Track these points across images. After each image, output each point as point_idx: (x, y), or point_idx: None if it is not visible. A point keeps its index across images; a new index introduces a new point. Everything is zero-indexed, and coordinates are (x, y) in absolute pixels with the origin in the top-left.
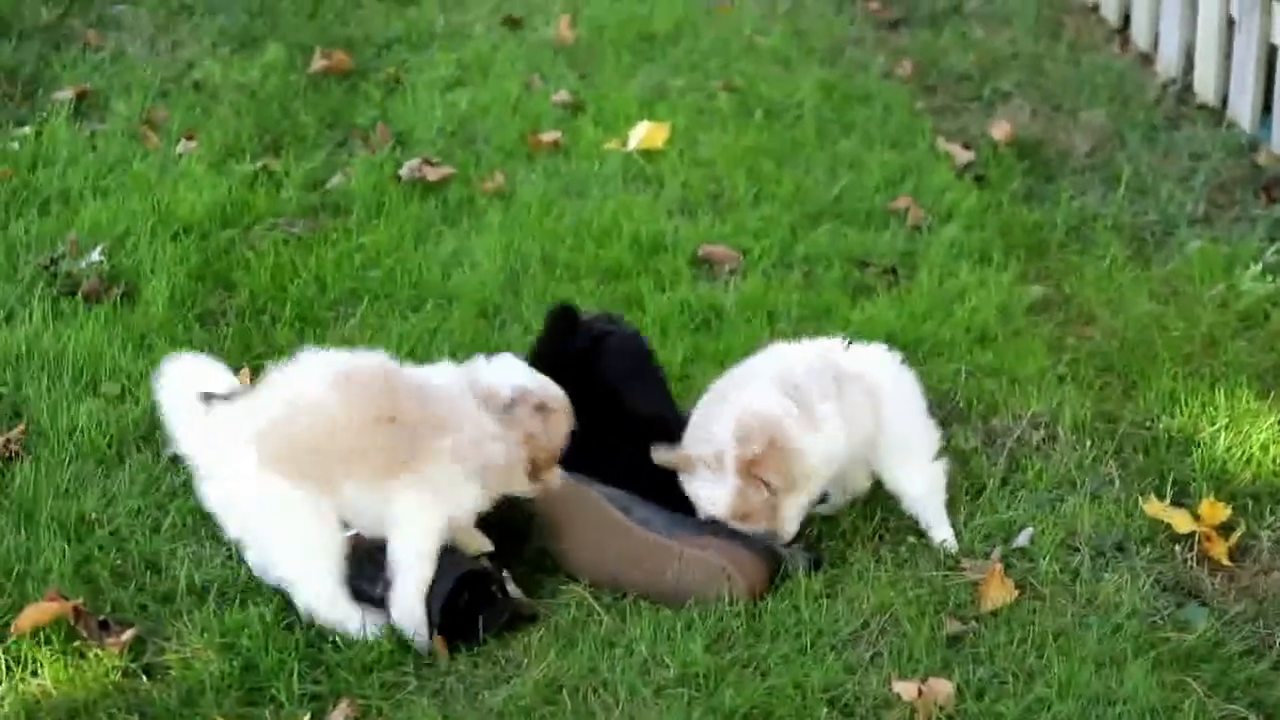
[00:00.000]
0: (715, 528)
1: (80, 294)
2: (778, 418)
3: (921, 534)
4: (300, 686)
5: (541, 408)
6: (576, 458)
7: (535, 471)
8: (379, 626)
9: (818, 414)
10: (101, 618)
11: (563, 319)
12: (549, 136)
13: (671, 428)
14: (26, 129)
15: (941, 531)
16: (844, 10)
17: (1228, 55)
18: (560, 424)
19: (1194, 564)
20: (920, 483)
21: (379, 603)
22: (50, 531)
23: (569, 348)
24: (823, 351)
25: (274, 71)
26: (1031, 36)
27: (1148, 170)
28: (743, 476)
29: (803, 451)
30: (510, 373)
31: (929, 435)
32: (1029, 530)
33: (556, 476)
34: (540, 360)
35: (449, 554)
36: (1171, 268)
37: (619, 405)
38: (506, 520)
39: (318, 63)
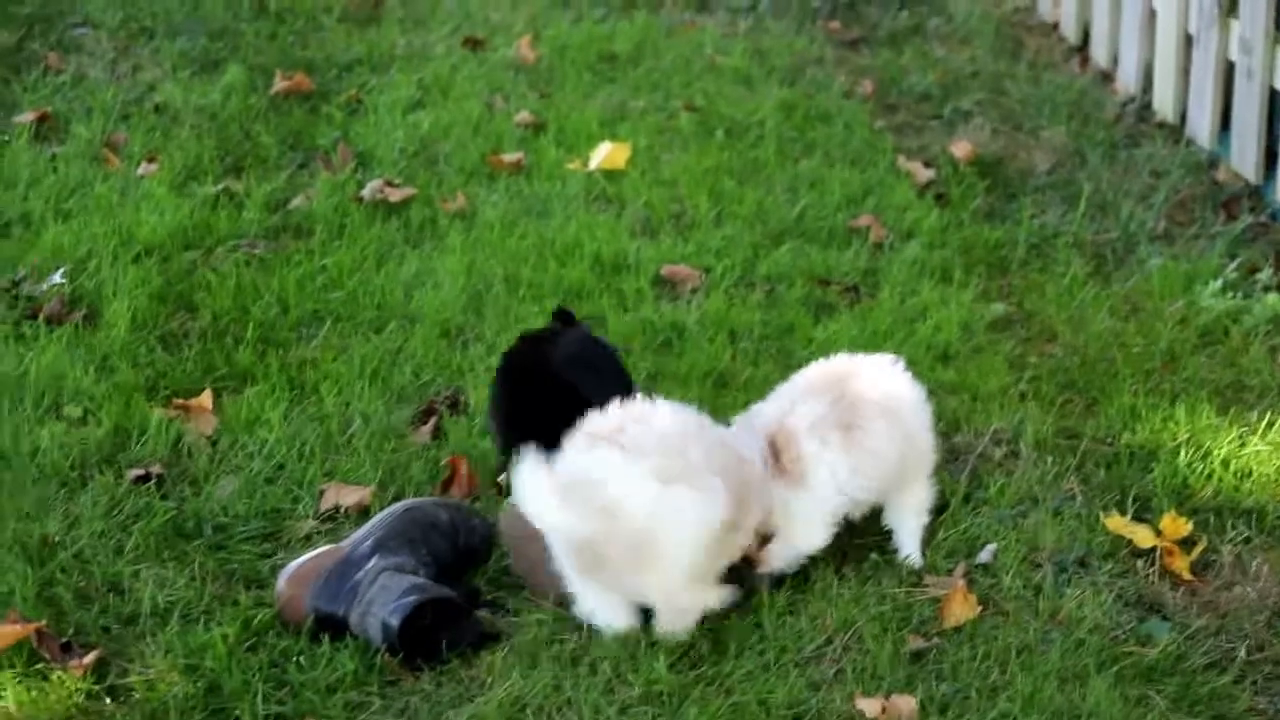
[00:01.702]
0: None
1: (41, 317)
2: None
3: (885, 552)
4: (264, 707)
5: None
6: None
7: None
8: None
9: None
10: (64, 640)
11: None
12: (510, 157)
13: None
14: None
15: (909, 547)
16: (804, 30)
17: (1186, 72)
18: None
19: (1156, 579)
20: (918, 497)
21: (343, 624)
22: (12, 554)
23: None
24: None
25: (235, 93)
26: (992, 55)
27: (1108, 188)
28: None
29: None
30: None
31: (930, 459)
32: (992, 546)
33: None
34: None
35: (411, 575)
36: (1132, 285)
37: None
38: (468, 541)
39: (278, 84)
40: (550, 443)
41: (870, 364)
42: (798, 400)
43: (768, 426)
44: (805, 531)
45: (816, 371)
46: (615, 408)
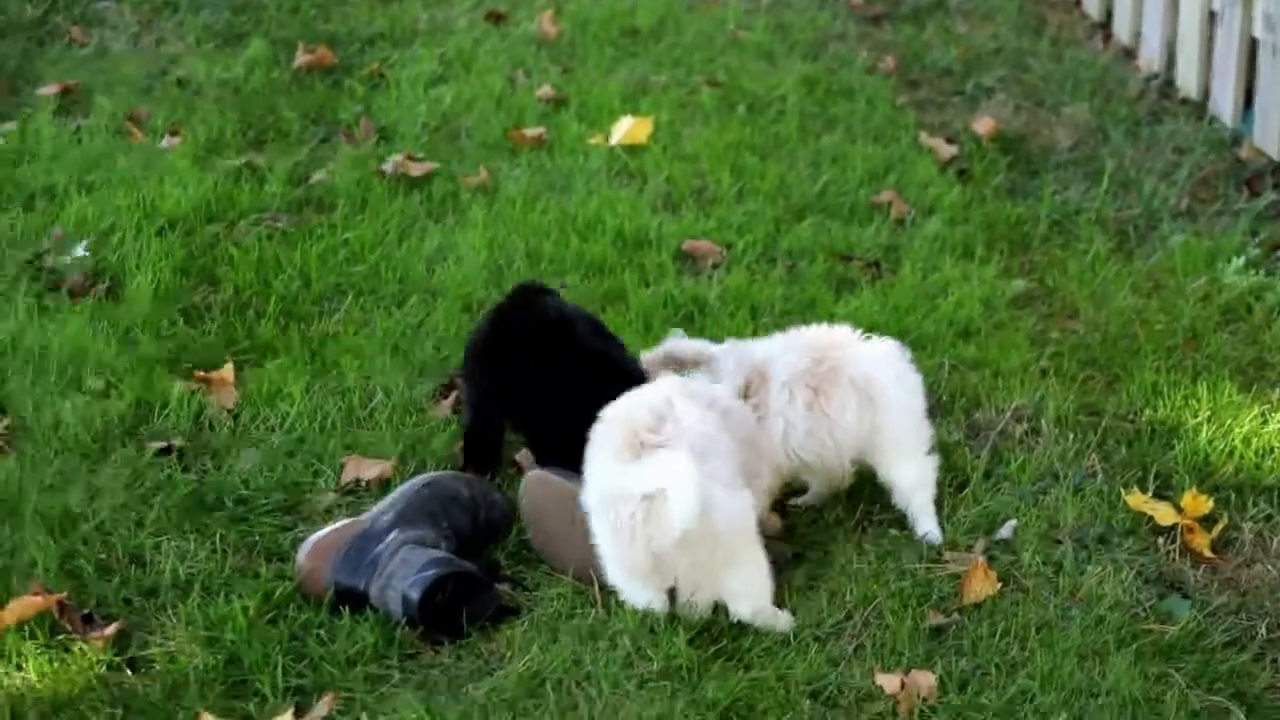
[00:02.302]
0: None
1: (65, 289)
2: None
3: (904, 527)
4: (284, 680)
5: None
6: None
7: None
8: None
9: None
10: (86, 612)
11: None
12: (532, 132)
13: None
14: (11, 125)
15: (925, 524)
16: (827, 5)
17: (1209, 49)
18: None
19: (1176, 556)
20: (911, 477)
21: (363, 597)
22: (35, 526)
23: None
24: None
25: (257, 67)
26: (1014, 32)
27: (1130, 164)
28: None
29: None
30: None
31: (924, 431)
32: (1012, 523)
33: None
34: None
35: (431, 549)
36: (1154, 261)
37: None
38: (488, 515)
39: (301, 58)
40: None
41: (870, 343)
42: (787, 351)
43: (750, 363)
44: None
45: (818, 333)
46: (636, 400)
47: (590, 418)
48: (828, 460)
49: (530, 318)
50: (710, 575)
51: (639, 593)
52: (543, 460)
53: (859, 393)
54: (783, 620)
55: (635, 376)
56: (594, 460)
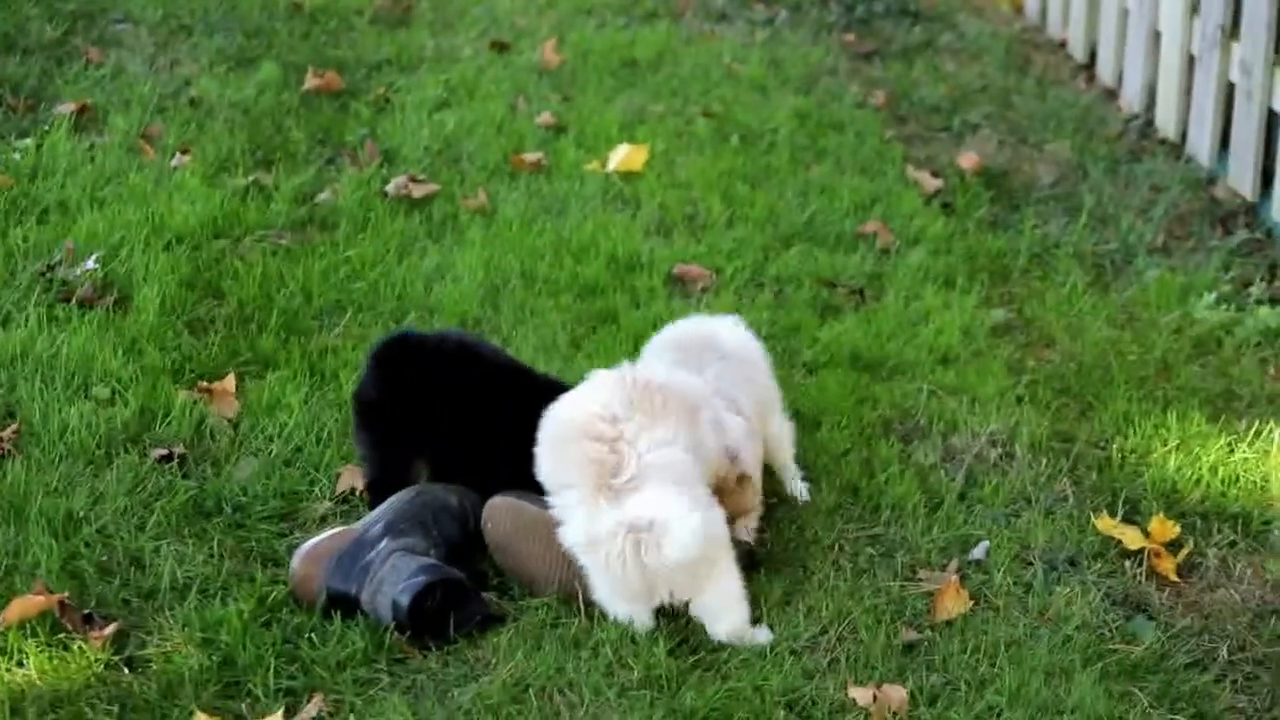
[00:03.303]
0: None
1: (74, 300)
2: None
3: (880, 545)
4: (276, 681)
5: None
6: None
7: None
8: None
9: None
10: (86, 611)
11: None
12: (531, 157)
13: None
14: (28, 141)
15: (796, 485)
16: (820, 41)
17: (1188, 92)
18: (743, 498)
19: (1143, 579)
20: (780, 437)
21: (355, 603)
22: (39, 528)
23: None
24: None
25: (267, 90)
26: (1001, 71)
27: (1109, 201)
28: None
29: None
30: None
31: (772, 400)
32: (985, 544)
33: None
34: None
35: (421, 556)
36: (1129, 295)
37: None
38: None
39: (310, 82)
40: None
41: (717, 318)
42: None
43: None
44: None
45: (676, 331)
46: (582, 423)
47: (520, 433)
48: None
49: (428, 351)
50: (694, 590)
51: (625, 611)
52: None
53: (738, 360)
54: (760, 636)
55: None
56: (566, 502)
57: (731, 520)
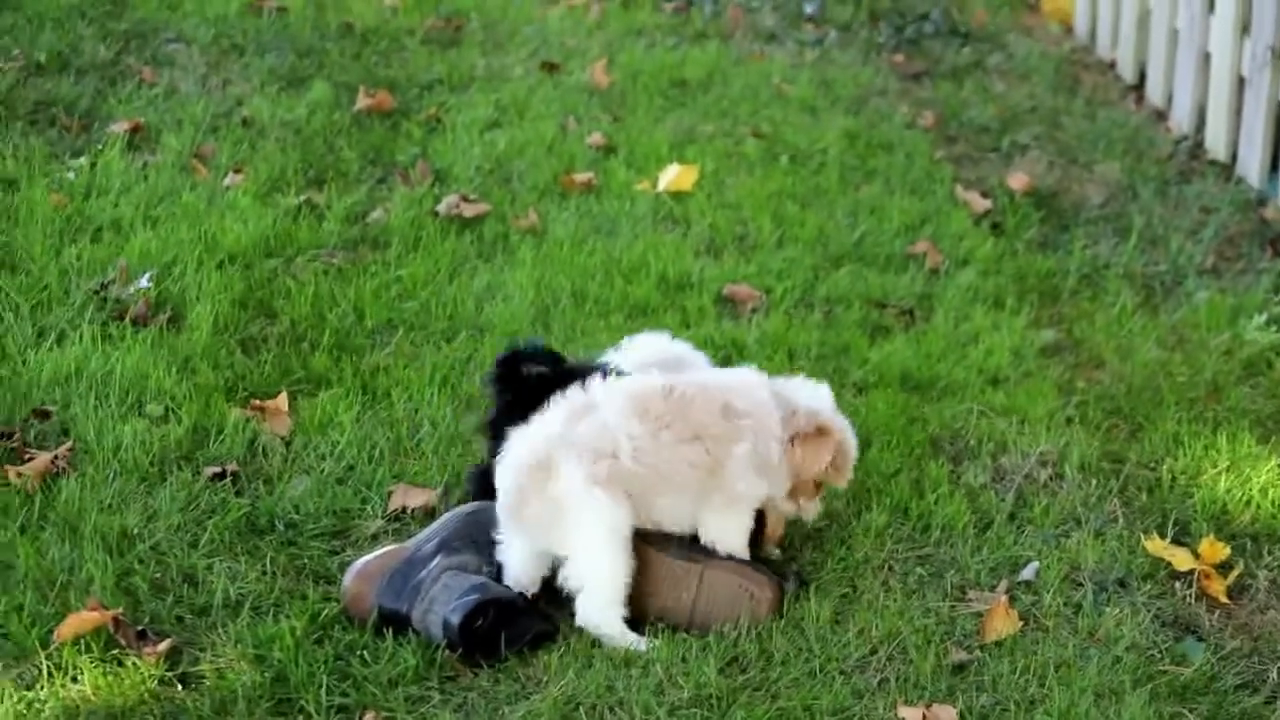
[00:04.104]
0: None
1: (128, 318)
2: None
3: (930, 566)
4: (328, 698)
5: (806, 437)
6: None
7: (793, 493)
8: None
9: None
10: (140, 628)
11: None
12: (582, 177)
13: None
14: (82, 160)
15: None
16: (869, 62)
17: (1238, 113)
18: (817, 453)
19: (1193, 600)
20: None
21: (406, 621)
22: (93, 545)
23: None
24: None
25: (319, 109)
26: (1050, 91)
27: (1158, 222)
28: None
29: None
30: (807, 394)
31: None
32: (1034, 564)
33: (812, 508)
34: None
35: (473, 575)
36: (1179, 316)
37: None
38: None
39: (361, 102)
40: None
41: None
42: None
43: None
44: None
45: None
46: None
47: None
48: None
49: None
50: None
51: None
52: None
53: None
54: (629, 639)
55: None
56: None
57: (760, 545)
